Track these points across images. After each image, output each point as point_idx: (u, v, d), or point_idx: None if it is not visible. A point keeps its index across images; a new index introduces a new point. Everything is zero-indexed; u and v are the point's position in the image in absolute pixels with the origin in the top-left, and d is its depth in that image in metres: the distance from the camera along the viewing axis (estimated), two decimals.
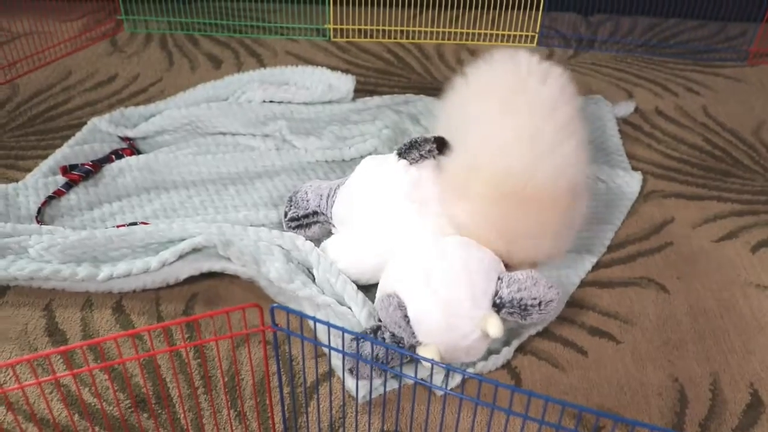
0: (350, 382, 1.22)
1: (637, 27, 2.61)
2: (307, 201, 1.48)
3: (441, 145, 1.41)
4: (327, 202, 1.45)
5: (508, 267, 1.31)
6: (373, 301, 1.34)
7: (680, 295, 1.45)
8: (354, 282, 1.38)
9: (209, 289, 1.44)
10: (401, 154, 1.42)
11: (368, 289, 1.39)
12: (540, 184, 1.27)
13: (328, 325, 0.81)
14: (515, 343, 1.31)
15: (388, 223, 1.37)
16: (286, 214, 1.51)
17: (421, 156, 1.40)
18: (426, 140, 1.40)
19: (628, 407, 1.23)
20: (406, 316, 1.20)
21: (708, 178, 1.80)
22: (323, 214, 1.47)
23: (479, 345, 1.23)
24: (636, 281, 1.48)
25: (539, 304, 1.22)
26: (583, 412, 0.74)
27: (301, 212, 1.49)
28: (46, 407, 1.17)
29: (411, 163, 1.40)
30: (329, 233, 1.49)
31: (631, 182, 1.74)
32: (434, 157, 1.41)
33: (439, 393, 1.22)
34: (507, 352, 1.29)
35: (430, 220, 1.35)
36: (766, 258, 1.55)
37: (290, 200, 1.51)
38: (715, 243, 1.59)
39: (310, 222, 1.49)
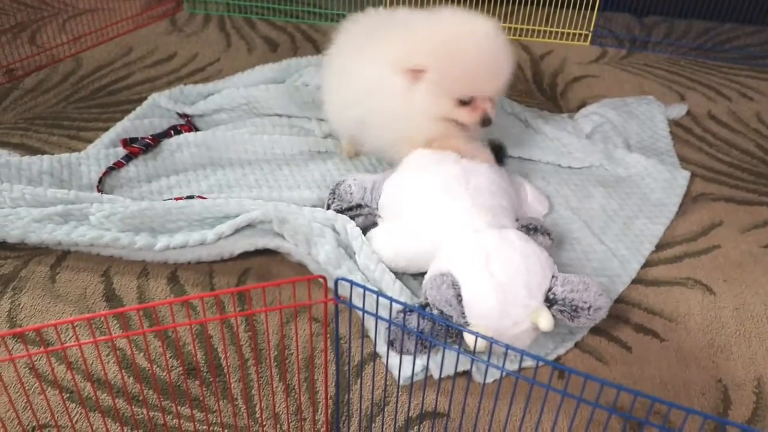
0: (393, 363, 1.25)
1: (692, 30, 2.60)
2: (351, 194, 1.50)
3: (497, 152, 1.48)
4: (372, 195, 1.48)
5: (484, 105, 1.46)
6: (410, 291, 1.38)
7: (726, 298, 1.46)
8: (401, 272, 1.41)
9: (261, 266, 1.47)
10: None
11: (407, 282, 1.42)
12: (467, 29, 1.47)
13: (390, 299, 0.84)
14: (567, 345, 1.33)
15: (440, 213, 1.38)
16: (328, 206, 1.53)
17: None
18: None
19: None
20: (459, 295, 1.21)
21: (759, 183, 1.80)
22: (367, 206, 1.49)
23: (525, 337, 1.24)
24: (682, 281, 1.49)
25: (589, 308, 1.23)
26: (638, 397, 0.76)
27: (345, 205, 1.51)
28: (101, 369, 1.21)
29: (462, 156, 1.45)
30: (372, 225, 1.50)
31: (679, 180, 1.74)
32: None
33: (482, 379, 1.24)
34: (555, 353, 1.32)
35: (482, 210, 1.37)
36: None
37: (333, 193, 1.53)
38: (763, 248, 1.59)
39: (353, 215, 1.51)
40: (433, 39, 1.45)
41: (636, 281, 1.49)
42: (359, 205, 1.49)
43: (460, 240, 1.31)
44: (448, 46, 1.43)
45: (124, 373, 1.23)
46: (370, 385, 1.22)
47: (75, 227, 1.46)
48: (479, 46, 1.43)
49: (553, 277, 1.26)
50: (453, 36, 1.44)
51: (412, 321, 1.20)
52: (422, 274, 1.35)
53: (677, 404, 0.76)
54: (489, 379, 1.24)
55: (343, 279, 0.83)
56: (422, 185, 1.43)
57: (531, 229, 1.40)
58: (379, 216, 1.48)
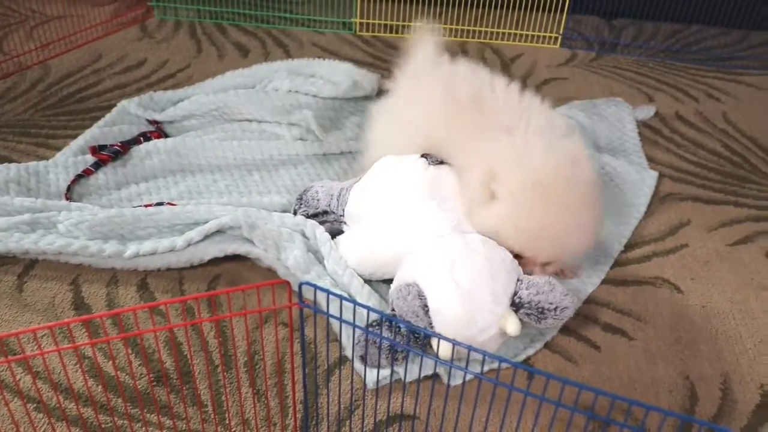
0: (361, 367, 1.25)
1: (660, 32, 2.63)
2: (318, 200, 1.50)
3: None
4: (338, 201, 1.47)
5: (532, 266, 1.34)
6: (379, 295, 1.37)
7: (694, 296, 1.47)
8: (367, 278, 1.41)
9: (231, 272, 1.47)
10: (423, 155, 1.45)
11: (376, 287, 1.42)
12: (559, 173, 1.29)
13: (354, 303, 0.84)
14: (536, 346, 1.34)
15: (407, 219, 1.38)
16: (295, 213, 1.53)
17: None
18: None
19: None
20: (425, 305, 1.21)
21: (725, 183, 1.82)
22: (333, 213, 1.49)
23: (494, 342, 1.24)
24: (650, 281, 1.51)
25: (555, 309, 1.23)
26: (599, 395, 0.77)
27: (311, 211, 1.51)
28: (66, 378, 1.20)
29: (430, 164, 1.44)
30: (339, 232, 1.50)
31: (647, 181, 1.77)
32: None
33: (453, 384, 1.25)
34: (525, 354, 1.33)
35: (449, 216, 1.37)
36: None
37: (300, 199, 1.53)
38: (730, 247, 1.61)
39: (320, 221, 1.51)
40: (510, 169, 1.30)
41: (605, 281, 1.50)
42: (325, 212, 1.49)
43: (424, 248, 1.30)
44: (515, 186, 1.29)
45: (91, 382, 1.22)
46: (341, 389, 1.22)
47: (43, 236, 1.45)
48: (543, 200, 1.28)
49: (518, 280, 1.26)
50: (524, 178, 1.29)
51: (381, 330, 1.20)
52: (391, 280, 1.35)
53: (637, 401, 0.76)
54: (458, 381, 1.25)
55: (307, 283, 0.83)
56: (389, 192, 1.42)
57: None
58: (345, 223, 1.48)
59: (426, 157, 1.45)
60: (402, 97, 1.58)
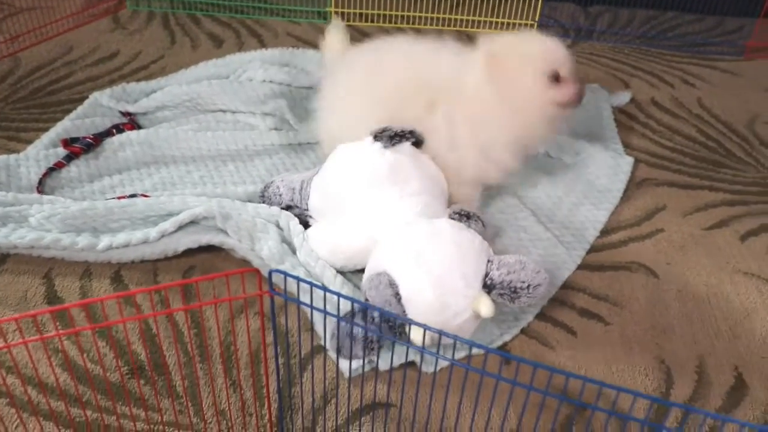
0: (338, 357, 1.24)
1: (636, 19, 2.64)
2: (280, 195, 1.49)
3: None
4: (300, 195, 1.46)
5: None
6: (353, 285, 1.37)
7: (669, 280, 1.48)
8: (340, 269, 1.40)
9: (206, 262, 1.46)
10: (377, 137, 1.41)
11: (350, 276, 1.41)
12: None
13: (325, 290, 0.84)
14: (512, 332, 1.34)
15: (370, 208, 1.36)
16: None
17: (395, 138, 1.41)
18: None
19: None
20: (397, 294, 1.20)
21: (701, 168, 1.83)
22: (297, 207, 1.47)
23: (468, 326, 1.24)
24: (626, 265, 1.51)
25: (528, 287, 1.22)
26: (571, 378, 0.76)
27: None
28: (35, 372, 1.18)
29: (385, 147, 1.40)
30: (306, 225, 1.48)
31: (623, 166, 1.77)
32: (407, 137, 1.42)
33: (430, 371, 1.24)
34: (501, 340, 1.32)
35: (412, 201, 1.36)
36: (754, 247, 1.57)
37: (262, 196, 1.52)
38: (705, 231, 1.61)
39: None
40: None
41: (581, 267, 1.50)
42: (289, 206, 1.48)
43: (392, 236, 1.29)
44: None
45: (65, 376, 1.20)
46: (314, 378, 1.22)
47: (14, 229, 1.43)
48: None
49: (488, 261, 1.24)
50: None
51: (353, 319, 1.19)
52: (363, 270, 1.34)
53: (607, 383, 0.76)
54: (432, 368, 1.24)
55: (277, 270, 0.83)
56: (349, 181, 1.40)
57: (464, 215, 1.38)
58: (311, 216, 1.47)
59: (379, 139, 1.41)
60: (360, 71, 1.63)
